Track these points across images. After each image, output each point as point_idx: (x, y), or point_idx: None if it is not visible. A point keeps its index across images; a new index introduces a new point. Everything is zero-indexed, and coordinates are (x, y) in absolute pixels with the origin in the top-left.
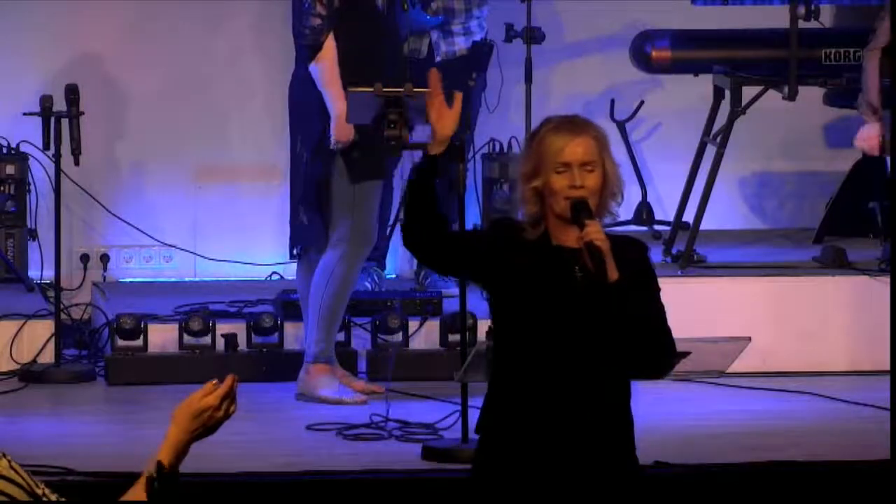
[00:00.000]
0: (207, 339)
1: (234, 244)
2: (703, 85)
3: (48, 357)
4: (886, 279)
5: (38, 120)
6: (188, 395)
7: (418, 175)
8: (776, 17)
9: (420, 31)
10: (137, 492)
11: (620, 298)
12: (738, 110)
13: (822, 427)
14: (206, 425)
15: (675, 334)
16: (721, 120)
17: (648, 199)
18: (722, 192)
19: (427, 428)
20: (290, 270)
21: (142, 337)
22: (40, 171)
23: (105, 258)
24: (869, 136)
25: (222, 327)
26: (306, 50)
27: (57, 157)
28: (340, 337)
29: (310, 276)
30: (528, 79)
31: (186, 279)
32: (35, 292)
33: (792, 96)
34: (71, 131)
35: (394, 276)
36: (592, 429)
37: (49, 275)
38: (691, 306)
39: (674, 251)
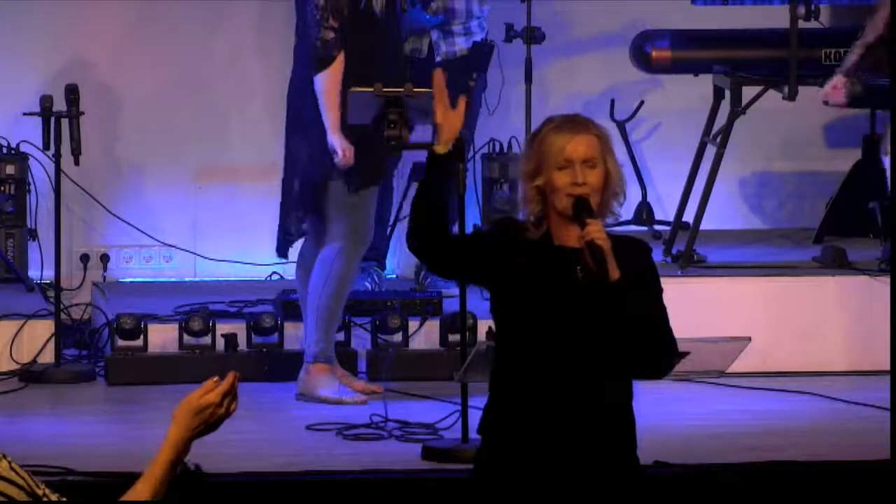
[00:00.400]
0: (207, 339)
1: (234, 244)
2: (703, 85)
3: (48, 357)
4: (886, 279)
5: (38, 120)
6: (187, 394)
7: (427, 174)
8: (776, 17)
9: (420, 31)
10: (137, 491)
11: (621, 298)
12: (738, 110)
13: (822, 427)
14: (208, 422)
15: (676, 334)
16: (721, 120)
17: (648, 199)
18: (722, 192)
19: (427, 428)
20: (290, 270)
21: (142, 337)
22: (40, 171)
23: (105, 258)
24: (834, 86)
25: (222, 327)
26: (315, 61)
27: (57, 157)
28: (340, 337)
29: (308, 278)
30: (528, 79)
31: (186, 279)
32: (35, 292)
33: (792, 96)
34: (71, 131)
35: (394, 276)
36: (594, 429)
37: (49, 275)
38: (691, 306)
39: (674, 251)
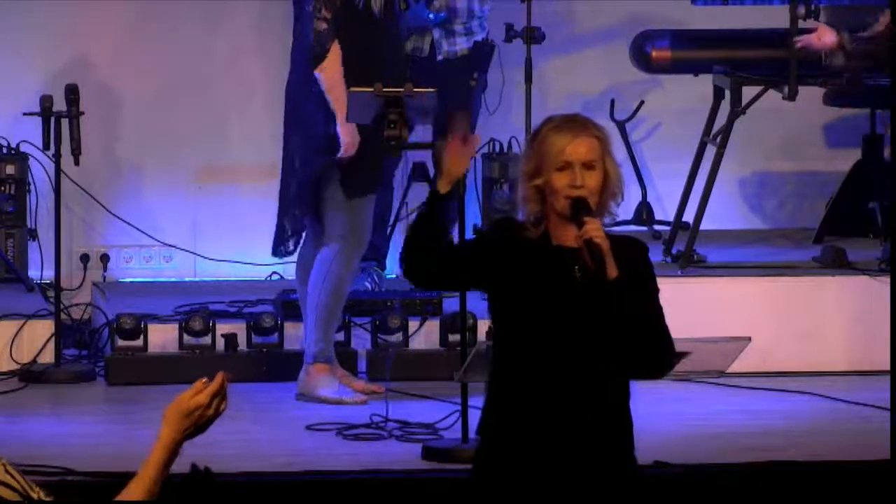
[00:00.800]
0: (207, 339)
1: (234, 244)
2: (703, 85)
3: (48, 357)
4: (886, 279)
5: (38, 120)
6: (166, 402)
7: (427, 207)
8: (776, 17)
9: (422, 29)
10: (131, 491)
11: (619, 297)
12: (738, 110)
13: (822, 427)
14: (197, 424)
15: (675, 334)
16: (721, 120)
17: (648, 199)
18: (722, 192)
19: (427, 428)
20: (290, 270)
21: (142, 337)
22: (40, 171)
23: (105, 258)
24: (824, 31)
25: (222, 327)
26: (313, 59)
27: (57, 157)
28: (340, 337)
29: (307, 278)
30: (528, 79)
31: (186, 279)
32: (35, 292)
33: (792, 96)
34: (71, 131)
35: (394, 276)
36: (591, 428)
37: (49, 275)
38: (691, 306)
39: (674, 251)
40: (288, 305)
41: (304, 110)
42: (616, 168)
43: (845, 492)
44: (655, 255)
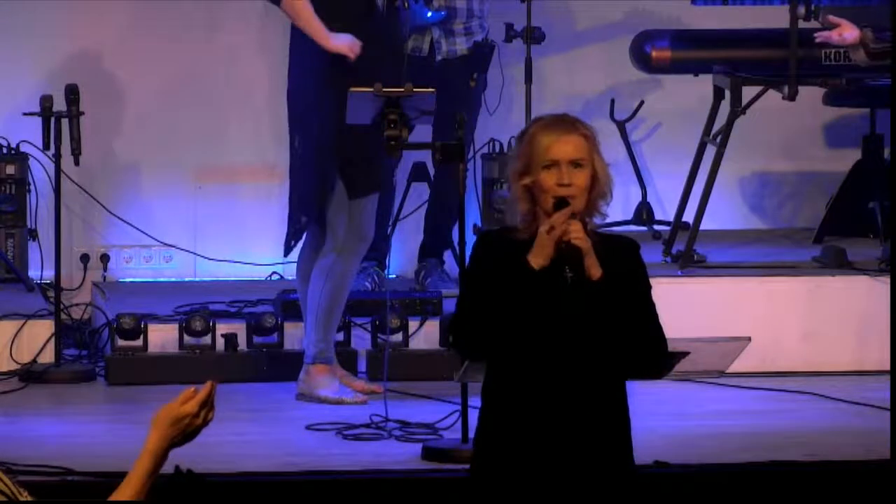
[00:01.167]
0: (207, 339)
1: (234, 244)
2: (703, 85)
3: (48, 357)
4: (886, 279)
5: (38, 120)
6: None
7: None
8: (776, 17)
9: (422, 29)
10: (123, 492)
11: (603, 297)
12: (738, 110)
13: (822, 427)
14: (185, 432)
15: (675, 334)
16: (721, 120)
17: (648, 199)
18: (722, 192)
19: (427, 428)
20: (290, 270)
21: (142, 337)
22: (40, 171)
23: (105, 258)
24: (845, 26)
25: (222, 327)
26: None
27: (57, 157)
28: (340, 337)
29: (308, 278)
30: (528, 79)
31: (186, 279)
32: (35, 292)
33: (792, 96)
34: (71, 131)
35: (394, 276)
36: (588, 429)
37: (49, 275)
38: (691, 306)
39: (674, 251)
40: (288, 305)
41: (303, 104)
42: (605, 167)
43: (845, 492)
44: (656, 255)
